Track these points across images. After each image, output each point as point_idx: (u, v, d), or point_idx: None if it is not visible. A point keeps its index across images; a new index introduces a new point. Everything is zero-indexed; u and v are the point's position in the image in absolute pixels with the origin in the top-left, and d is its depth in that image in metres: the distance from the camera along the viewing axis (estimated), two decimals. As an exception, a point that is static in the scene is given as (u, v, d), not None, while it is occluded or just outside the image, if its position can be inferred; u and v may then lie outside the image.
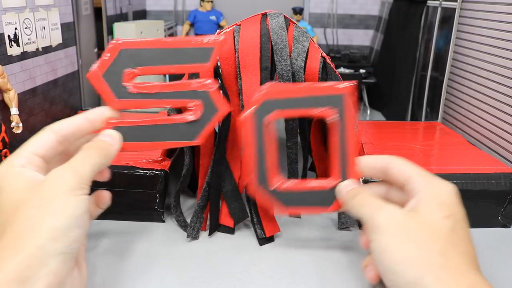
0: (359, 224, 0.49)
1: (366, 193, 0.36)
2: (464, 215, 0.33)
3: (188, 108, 0.38)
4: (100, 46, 0.93)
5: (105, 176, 0.36)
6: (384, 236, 0.31)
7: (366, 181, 0.48)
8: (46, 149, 0.32)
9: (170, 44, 0.37)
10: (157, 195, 0.48)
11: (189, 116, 0.38)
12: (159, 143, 0.38)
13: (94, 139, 0.34)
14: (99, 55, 0.94)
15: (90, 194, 0.31)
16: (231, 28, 0.47)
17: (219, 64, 0.46)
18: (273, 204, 0.40)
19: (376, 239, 0.32)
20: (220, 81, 0.47)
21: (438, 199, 0.33)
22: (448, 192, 0.34)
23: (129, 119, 0.37)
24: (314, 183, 0.39)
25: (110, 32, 0.91)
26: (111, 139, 0.35)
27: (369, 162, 0.38)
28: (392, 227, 0.31)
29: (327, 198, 0.39)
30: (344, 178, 0.39)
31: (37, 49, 0.63)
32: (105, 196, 0.37)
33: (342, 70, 0.99)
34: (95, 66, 0.36)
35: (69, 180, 0.29)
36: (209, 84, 0.38)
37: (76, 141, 0.34)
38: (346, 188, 0.38)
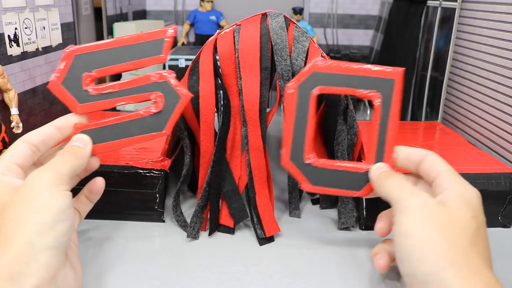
0: (360, 224, 0.49)
1: (402, 176, 0.36)
2: (485, 220, 0.33)
3: (152, 100, 0.39)
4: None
5: (94, 166, 0.38)
6: (413, 218, 0.31)
7: None
8: (22, 158, 0.33)
9: (122, 42, 0.38)
10: (157, 195, 0.48)
11: (153, 108, 0.38)
12: (129, 139, 0.39)
13: (66, 146, 0.36)
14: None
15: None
16: (231, 28, 0.47)
17: (219, 64, 0.46)
18: (302, 180, 0.40)
19: (403, 221, 0.31)
20: (220, 81, 0.47)
21: (466, 199, 0.33)
22: (474, 195, 0.34)
23: (96, 121, 0.38)
24: (348, 164, 0.39)
25: (110, 32, 0.91)
26: (82, 143, 0.36)
27: (406, 153, 0.38)
28: (422, 212, 0.31)
29: (358, 182, 0.39)
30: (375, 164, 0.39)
31: (37, 49, 0.63)
32: (98, 183, 0.38)
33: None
34: (53, 76, 0.37)
35: (49, 178, 0.30)
36: (167, 74, 0.39)
37: (48, 150, 0.36)
38: (380, 169, 0.37)
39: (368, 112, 0.97)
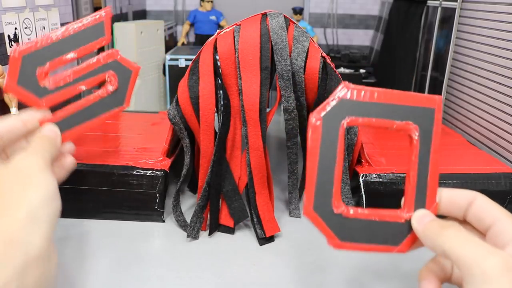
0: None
1: (461, 227, 0.29)
2: None
3: (106, 80, 0.42)
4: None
5: (71, 165, 0.38)
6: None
7: None
8: None
9: (63, 34, 0.40)
10: (157, 195, 0.48)
11: (109, 87, 0.41)
12: (94, 120, 0.41)
13: (38, 134, 0.37)
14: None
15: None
16: (231, 28, 0.47)
17: (219, 64, 0.46)
18: (328, 235, 0.32)
19: None
20: (220, 81, 0.47)
21: None
22: None
23: (59, 113, 0.40)
24: (384, 213, 0.32)
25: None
26: (53, 132, 0.38)
27: (451, 196, 0.32)
28: (507, 279, 0.25)
29: (397, 234, 0.32)
30: (417, 211, 0.32)
31: (37, 49, 0.63)
32: (68, 147, 0.39)
33: (342, 70, 0.99)
34: (7, 79, 0.39)
35: (39, 161, 0.33)
36: (113, 53, 0.41)
37: (11, 143, 0.37)
38: (426, 218, 0.31)
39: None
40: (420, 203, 0.32)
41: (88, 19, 0.40)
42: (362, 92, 0.31)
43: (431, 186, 0.32)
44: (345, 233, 0.32)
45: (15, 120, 0.36)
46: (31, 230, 0.29)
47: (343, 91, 0.31)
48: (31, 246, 0.29)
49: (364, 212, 0.32)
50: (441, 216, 0.33)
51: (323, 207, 0.32)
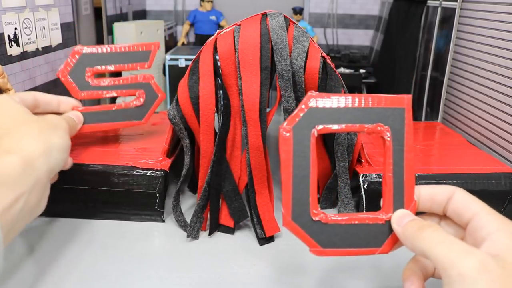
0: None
1: (438, 227, 0.29)
2: None
3: (136, 96, 0.51)
4: (100, 46, 0.93)
5: (69, 164, 0.44)
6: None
7: None
8: (28, 103, 0.43)
9: (119, 48, 0.49)
10: (157, 195, 0.48)
11: (136, 102, 0.51)
12: (114, 123, 0.50)
13: (68, 113, 0.46)
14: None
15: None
16: (231, 28, 0.47)
17: (219, 64, 0.46)
18: (309, 243, 0.32)
19: None
20: (220, 81, 0.47)
21: None
22: None
23: (89, 107, 0.49)
24: (363, 216, 0.32)
25: (110, 32, 0.91)
26: (78, 118, 0.47)
27: (429, 194, 0.32)
28: (484, 280, 0.25)
29: (378, 235, 0.32)
30: (398, 209, 0.32)
31: (37, 49, 0.63)
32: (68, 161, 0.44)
33: (342, 70, 0.99)
34: (62, 67, 0.47)
35: (66, 125, 0.42)
36: (149, 77, 0.51)
37: (44, 112, 0.45)
38: (405, 218, 0.31)
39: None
40: (399, 203, 0.32)
41: (140, 45, 0.50)
42: (330, 100, 0.31)
43: (408, 186, 0.32)
44: (326, 239, 0.32)
45: (54, 98, 0.46)
46: (43, 162, 0.36)
47: (311, 100, 0.31)
48: (40, 173, 0.35)
49: (343, 218, 0.32)
50: (422, 213, 0.33)
51: (302, 216, 0.32)
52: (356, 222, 0.32)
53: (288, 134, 0.31)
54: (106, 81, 0.49)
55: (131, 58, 0.50)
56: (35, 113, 0.43)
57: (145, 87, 0.51)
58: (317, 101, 0.31)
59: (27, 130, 0.37)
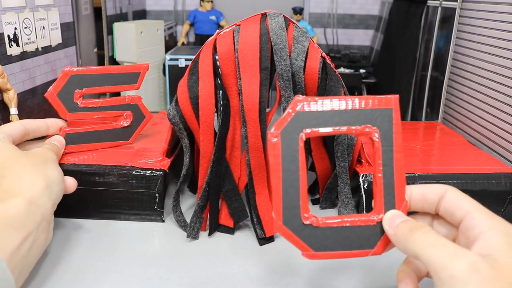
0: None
1: (429, 228, 0.29)
2: None
3: (123, 117, 0.52)
4: (100, 46, 0.93)
5: (73, 187, 0.44)
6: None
7: None
8: (17, 134, 0.43)
9: (109, 70, 0.50)
10: (157, 195, 0.48)
11: (124, 122, 0.52)
12: (100, 143, 0.51)
13: (50, 140, 0.46)
14: (99, 55, 0.94)
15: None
16: (230, 28, 0.47)
17: (218, 64, 0.46)
18: (301, 247, 0.32)
19: None
20: (219, 81, 0.47)
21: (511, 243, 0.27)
22: None
23: (78, 127, 0.50)
24: (355, 218, 0.32)
25: (110, 32, 0.91)
26: (60, 144, 0.47)
27: (421, 193, 0.32)
28: (474, 281, 0.25)
29: (371, 236, 0.32)
30: (389, 210, 0.32)
31: (37, 49, 0.63)
32: (70, 183, 0.44)
33: (342, 70, 0.99)
34: (51, 88, 0.48)
35: (53, 155, 0.43)
36: (137, 98, 0.52)
37: (30, 141, 0.46)
38: (396, 219, 0.31)
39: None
40: (390, 203, 0.32)
41: (129, 67, 0.51)
42: (317, 103, 0.31)
43: (398, 186, 0.32)
44: (318, 243, 0.32)
45: (42, 123, 0.47)
46: (47, 198, 0.36)
47: (298, 104, 0.31)
48: (45, 210, 0.36)
49: (334, 220, 0.32)
50: (415, 212, 0.33)
51: (293, 220, 0.31)
52: (348, 224, 0.32)
53: (276, 139, 0.31)
54: (95, 103, 0.50)
55: (120, 80, 0.50)
56: (25, 141, 0.45)
57: (133, 108, 0.52)
58: (303, 105, 0.31)
59: (23, 168, 0.37)
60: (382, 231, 0.32)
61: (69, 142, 0.49)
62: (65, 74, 0.48)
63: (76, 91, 0.49)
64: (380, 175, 0.32)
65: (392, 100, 0.32)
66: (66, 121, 0.50)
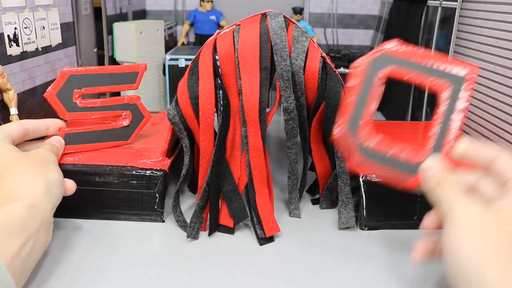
0: (360, 224, 0.49)
1: (451, 181, 0.33)
2: None
3: (122, 117, 0.52)
4: (100, 46, 0.93)
5: (72, 189, 0.44)
6: (457, 231, 0.30)
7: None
8: (17, 135, 0.43)
9: (107, 70, 0.50)
10: (157, 195, 0.48)
11: (123, 122, 0.52)
12: (101, 143, 0.51)
13: (50, 141, 0.46)
14: (98, 55, 0.94)
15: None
16: (230, 28, 0.47)
17: (218, 64, 0.46)
18: (355, 156, 0.38)
19: (449, 233, 0.30)
20: (219, 81, 0.47)
21: None
22: None
23: (77, 127, 0.49)
24: (403, 151, 0.37)
25: (110, 32, 0.91)
26: (59, 144, 0.47)
27: (477, 149, 0.35)
28: (466, 223, 0.30)
29: (410, 170, 0.37)
30: (432, 157, 0.36)
31: (37, 49, 0.63)
32: (69, 186, 0.44)
33: (342, 70, 0.99)
34: (49, 88, 0.47)
35: (54, 156, 0.43)
36: (136, 98, 0.52)
37: (29, 141, 0.45)
38: (431, 170, 0.35)
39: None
40: (436, 151, 0.36)
41: (128, 67, 0.51)
42: (407, 49, 0.37)
43: (451, 135, 0.36)
44: (368, 155, 0.38)
45: (42, 123, 0.47)
46: (47, 201, 0.36)
47: (388, 46, 0.37)
48: (44, 213, 0.36)
49: (382, 148, 0.37)
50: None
51: (352, 134, 0.38)
52: (392, 157, 0.37)
53: (361, 68, 0.38)
54: (94, 103, 0.49)
55: (119, 80, 0.50)
56: (24, 141, 0.45)
57: (132, 108, 0.52)
58: (393, 47, 0.37)
59: (23, 171, 0.37)
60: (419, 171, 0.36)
61: (69, 142, 0.49)
62: (63, 74, 0.48)
63: (75, 91, 0.48)
64: (437, 124, 0.37)
65: (470, 68, 0.37)
66: (65, 121, 0.49)
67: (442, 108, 0.37)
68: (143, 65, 0.51)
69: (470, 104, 0.70)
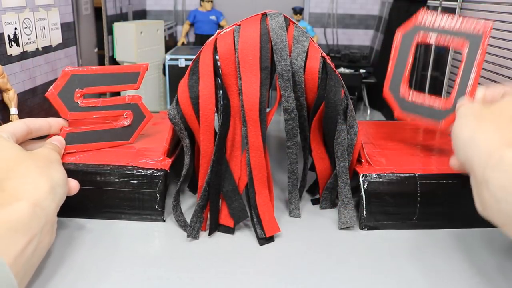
0: (360, 224, 0.49)
1: (471, 103, 0.42)
2: None
3: (123, 116, 0.52)
4: (100, 46, 0.93)
5: (75, 189, 0.44)
6: (457, 121, 0.39)
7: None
8: (20, 134, 0.43)
9: (108, 70, 0.50)
10: (157, 195, 0.48)
11: (125, 122, 0.52)
12: (102, 143, 0.51)
13: (52, 140, 0.46)
14: (99, 55, 0.94)
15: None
16: (231, 28, 0.47)
17: (219, 64, 0.46)
18: (395, 107, 0.51)
19: (454, 124, 0.40)
20: (220, 81, 0.47)
21: None
22: None
23: (79, 127, 0.50)
24: (433, 101, 0.49)
25: (110, 32, 0.91)
26: (60, 144, 0.47)
27: (491, 90, 0.42)
28: (465, 114, 0.39)
29: (440, 115, 0.49)
30: (459, 99, 0.45)
31: (37, 49, 0.63)
32: (72, 185, 0.44)
33: (342, 70, 0.99)
34: (51, 88, 0.47)
35: (57, 156, 0.43)
36: (137, 98, 0.52)
37: (32, 139, 0.46)
38: (461, 102, 0.44)
39: (368, 112, 0.97)
40: (460, 94, 0.47)
41: (129, 67, 0.51)
42: (435, 16, 0.48)
43: (472, 87, 0.46)
44: (406, 108, 0.51)
45: (44, 122, 0.47)
46: (51, 200, 0.36)
47: (421, 14, 0.49)
48: (49, 212, 0.36)
49: (418, 98, 0.50)
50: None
51: (394, 90, 0.51)
52: (426, 104, 0.50)
53: (398, 39, 0.50)
54: (95, 102, 0.50)
55: (120, 79, 0.50)
56: (27, 140, 0.45)
57: (133, 108, 0.52)
58: (424, 17, 0.49)
59: (27, 170, 0.37)
60: (447, 114, 0.48)
61: (70, 141, 0.49)
62: (65, 73, 0.48)
63: (76, 90, 0.48)
64: (459, 77, 0.47)
65: (485, 27, 0.46)
66: (67, 120, 0.49)
67: (462, 63, 0.47)
68: (144, 65, 0.52)
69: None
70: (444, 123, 0.48)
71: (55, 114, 0.49)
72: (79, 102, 0.49)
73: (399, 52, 0.50)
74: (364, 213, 0.48)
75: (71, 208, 0.47)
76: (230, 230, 0.47)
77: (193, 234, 0.45)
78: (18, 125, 0.43)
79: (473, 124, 0.37)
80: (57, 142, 0.47)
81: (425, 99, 0.50)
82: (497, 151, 0.33)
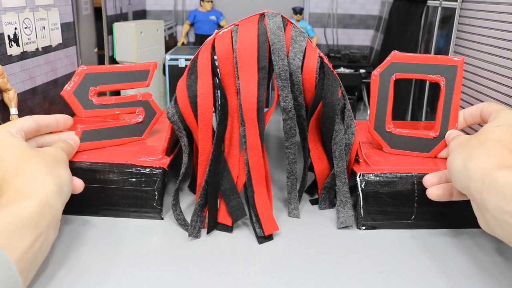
0: (358, 223, 0.49)
1: (459, 138, 0.44)
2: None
3: (136, 113, 0.54)
4: (100, 46, 0.93)
5: (80, 188, 0.44)
6: (450, 155, 0.42)
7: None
8: (28, 130, 0.43)
9: (120, 68, 0.52)
10: (156, 193, 0.48)
11: (137, 119, 0.54)
12: (115, 140, 0.53)
13: (64, 138, 0.47)
14: (99, 55, 0.94)
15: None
16: (229, 28, 0.47)
17: (217, 64, 0.46)
18: (383, 144, 0.53)
19: (448, 159, 0.42)
20: (218, 81, 0.47)
21: (502, 119, 0.42)
22: (508, 112, 0.43)
23: (93, 124, 0.51)
24: (419, 132, 0.52)
25: (110, 32, 0.91)
26: (74, 143, 0.48)
27: (469, 113, 0.49)
28: (455, 147, 0.42)
29: (428, 146, 0.51)
30: (443, 131, 0.50)
31: (37, 49, 0.63)
32: (77, 184, 0.45)
33: (342, 70, 0.99)
34: (67, 87, 0.49)
35: (65, 156, 0.43)
36: (148, 95, 0.54)
37: (40, 137, 0.46)
38: (453, 134, 0.49)
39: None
40: (444, 126, 0.50)
41: (140, 65, 0.52)
42: (407, 56, 0.50)
43: (452, 115, 0.50)
44: (394, 143, 0.52)
45: (52, 119, 0.47)
46: (58, 199, 0.37)
47: (394, 54, 0.50)
48: (56, 211, 0.37)
49: (405, 131, 0.52)
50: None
51: (380, 127, 0.52)
52: (414, 135, 0.51)
53: (375, 78, 0.50)
54: (109, 100, 0.51)
55: (131, 77, 0.52)
56: (35, 136, 0.45)
57: (145, 105, 0.54)
58: (397, 55, 0.50)
59: (35, 168, 0.37)
60: (435, 143, 0.51)
61: (86, 139, 0.50)
62: (80, 72, 0.49)
63: (90, 88, 0.50)
64: (441, 108, 0.50)
65: (459, 60, 0.49)
66: (72, 118, 0.50)
67: (441, 97, 0.49)
68: (153, 64, 0.53)
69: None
70: (433, 152, 0.51)
71: (56, 113, 0.49)
72: (93, 100, 0.50)
73: (379, 91, 0.51)
74: (362, 212, 0.48)
75: (69, 206, 0.48)
76: (229, 229, 0.47)
77: (194, 233, 0.45)
78: (27, 122, 0.43)
79: (464, 155, 0.39)
80: (72, 141, 0.48)
81: (411, 132, 0.52)
82: (489, 175, 0.35)
